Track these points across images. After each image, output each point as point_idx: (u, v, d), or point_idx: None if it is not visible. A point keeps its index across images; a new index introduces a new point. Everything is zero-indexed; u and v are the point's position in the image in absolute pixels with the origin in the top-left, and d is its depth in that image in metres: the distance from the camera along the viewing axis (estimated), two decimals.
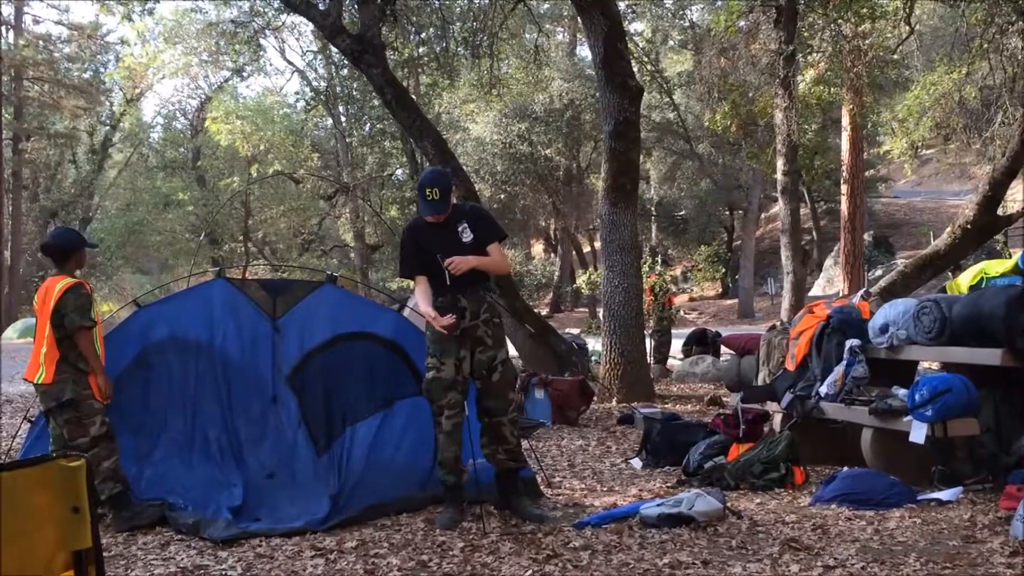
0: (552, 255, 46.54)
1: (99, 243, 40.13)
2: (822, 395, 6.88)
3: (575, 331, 21.98)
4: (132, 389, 6.12)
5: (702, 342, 15.31)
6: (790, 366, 7.49)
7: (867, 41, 15.96)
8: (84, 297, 5.52)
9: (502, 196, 32.85)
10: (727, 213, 39.03)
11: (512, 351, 13.51)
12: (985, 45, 13.31)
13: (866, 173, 26.89)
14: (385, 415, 6.03)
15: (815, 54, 16.54)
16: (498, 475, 5.71)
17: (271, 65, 77.70)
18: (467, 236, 5.62)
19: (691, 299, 37.48)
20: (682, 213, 39.35)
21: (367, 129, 35.69)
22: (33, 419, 6.46)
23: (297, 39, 47.55)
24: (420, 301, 5.59)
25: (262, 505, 5.66)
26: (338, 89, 34.84)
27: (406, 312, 6.69)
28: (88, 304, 5.52)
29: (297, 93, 53.36)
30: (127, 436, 5.91)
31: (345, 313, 6.30)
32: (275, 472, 5.92)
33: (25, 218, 41.88)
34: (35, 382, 5.57)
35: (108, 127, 43.08)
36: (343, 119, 36.62)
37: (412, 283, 5.82)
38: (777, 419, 7.47)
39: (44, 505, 2.16)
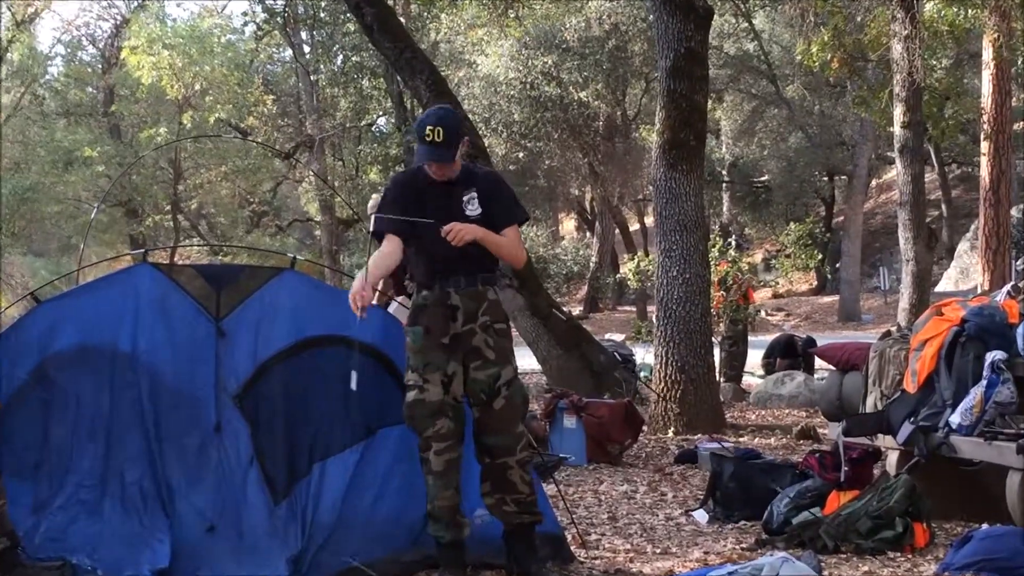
0: (588, 235, 46.61)
1: None
2: (954, 426, 6.86)
3: (618, 337, 21.99)
4: (26, 415, 6.10)
5: (789, 352, 15.32)
6: (910, 387, 7.48)
7: None
8: None
9: (520, 155, 32.88)
10: (825, 180, 39.02)
11: (532, 365, 13.56)
12: None
13: (1015, 126, 26.81)
14: (365, 447, 6.02)
15: None
16: (508, 533, 5.71)
17: None
18: (473, 208, 5.63)
19: (775, 295, 37.42)
20: (764, 179, 39.36)
21: (339, 64, 35.74)
22: None
23: None
24: (370, 267, 5.55)
25: (199, 568, 5.69)
26: (300, 9, 34.93)
27: (393, 308, 6.70)
28: None
29: (245, 14, 53.34)
30: (18, 477, 5.93)
31: (312, 310, 6.26)
32: (217, 524, 5.93)
33: None
34: None
35: None
36: (307, 50, 36.67)
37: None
38: (892, 458, 7.46)
39: None
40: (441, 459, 5.45)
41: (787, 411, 13.63)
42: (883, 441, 7.56)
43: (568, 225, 56.57)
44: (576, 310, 37.02)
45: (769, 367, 15.59)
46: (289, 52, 37.71)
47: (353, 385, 5.44)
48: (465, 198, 5.62)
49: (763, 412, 13.66)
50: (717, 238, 16.78)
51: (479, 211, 5.62)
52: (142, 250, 6.89)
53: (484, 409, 5.55)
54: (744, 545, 6.64)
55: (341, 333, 6.16)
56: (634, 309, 36.62)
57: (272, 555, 5.65)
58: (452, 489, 5.50)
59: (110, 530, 5.86)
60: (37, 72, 45.13)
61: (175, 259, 34.48)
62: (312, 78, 36.15)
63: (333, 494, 5.86)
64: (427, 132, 5.48)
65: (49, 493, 5.96)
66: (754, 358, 17.10)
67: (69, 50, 46.91)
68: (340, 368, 6.11)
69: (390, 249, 5.60)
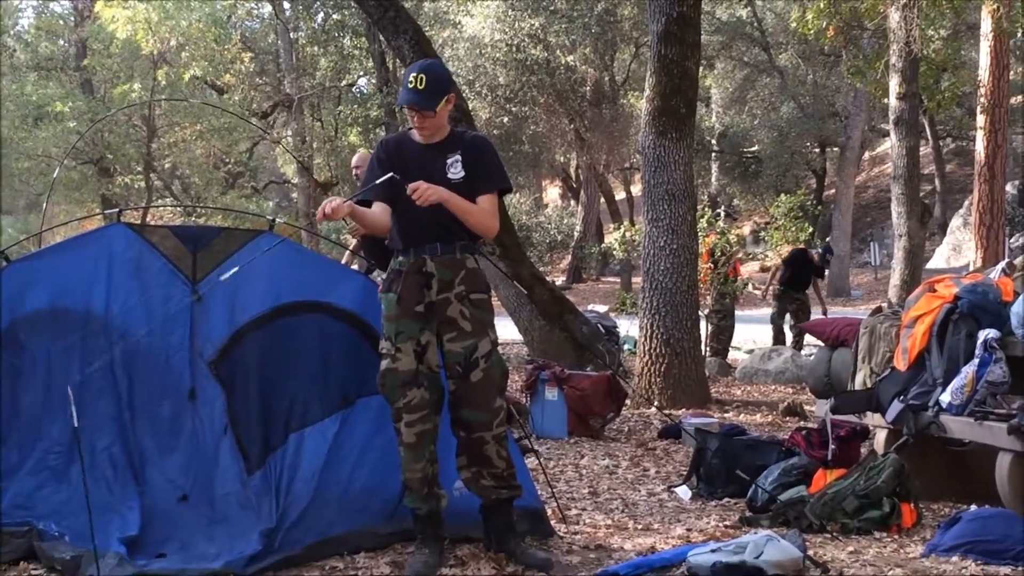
0: (572, 203, 46.59)
1: None
2: (944, 405, 6.90)
3: (602, 308, 22.03)
4: None
5: (802, 272, 15.49)
6: (900, 365, 7.51)
7: None
8: None
9: (504, 119, 32.81)
10: (817, 151, 39.05)
11: (514, 335, 13.57)
12: None
13: (1012, 100, 26.85)
14: (344, 418, 6.02)
15: None
16: (485, 507, 5.70)
17: None
18: (456, 171, 5.59)
19: (764, 269, 37.20)
20: (754, 149, 39.36)
21: (319, 21, 35.57)
22: None
23: None
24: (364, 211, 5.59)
25: (169, 538, 5.67)
26: None
27: (376, 276, 6.67)
28: None
29: None
30: None
31: (291, 275, 6.23)
32: (189, 494, 5.92)
33: None
34: None
35: None
36: (287, 6, 36.49)
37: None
38: (880, 437, 7.49)
39: None
40: (412, 431, 5.42)
41: (773, 387, 13.70)
42: (871, 419, 7.60)
43: (552, 193, 56.55)
44: (559, 280, 37.10)
45: (783, 296, 15.75)
46: (268, 8, 37.56)
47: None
48: (449, 161, 5.57)
49: (749, 388, 13.72)
50: (706, 208, 16.79)
51: (461, 175, 5.57)
52: (115, 210, 6.81)
53: (460, 382, 5.49)
54: (728, 523, 6.68)
55: (320, 299, 6.17)
56: (618, 280, 36.67)
57: (245, 527, 5.63)
58: (424, 460, 5.46)
59: (78, 497, 5.84)
60: (5, 24, 44.82)
61: (147, 219, 34.42)
62: (292, 36, 36.02)
63: (310, 466, 5.84)
64: (411, 79, 5.49)
65: (18, 459, 5.95)
66: (741, 333, 17.16)
67: (40, 1, 46.63)
68: (318, 335, 6.11)
69: (380, 211, 5.58)
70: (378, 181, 5.49)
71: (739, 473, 7.29)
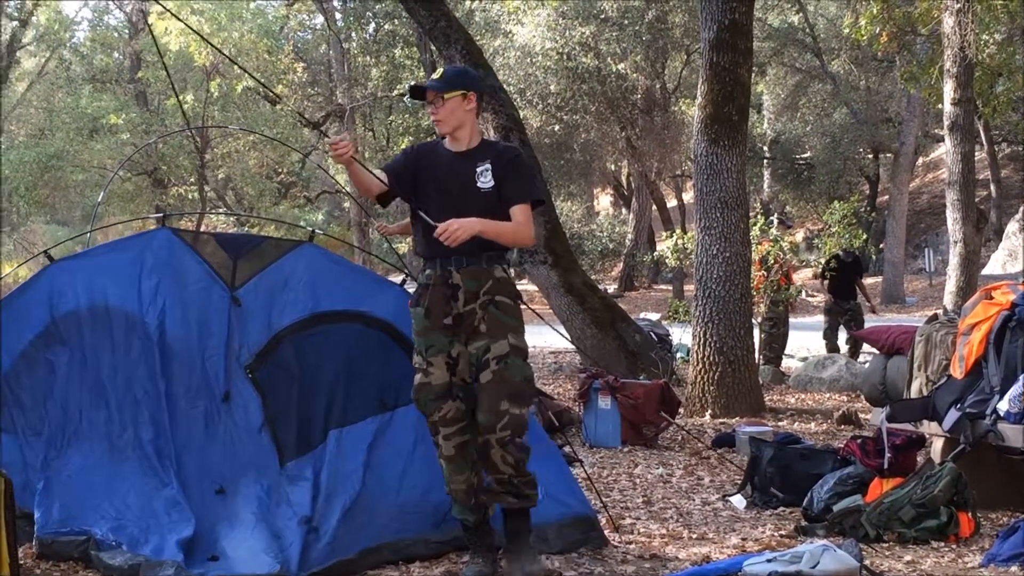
0: (624, 211, 46.51)
1: (3, 181, 40.53)
2: (1001, 414, 6.84)
3: (654, 316, 21.99)
4: (34, 376, 6.14)
5: (844, 277, 15.49)
6: (957, 373, 7.45)
7: None
8: None
9: (556, 128, 32.79)
10: (870, 157, 38.75)
11: (566, 343, 13.55)
12: None
13: None
14: (384, 424, 6.05)
15: None
16: (503, 513, 5.63)
17: None
18: (485, 180, 5.57)
19: (816, 276, 37.07)
20: (806, 156, 39.14)
21: (371, 31, 35.75)
22: None
23: None
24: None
25: (212, 530, 5.71)
26: None
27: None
28: None
29: None
30: (29, 439, 6.00)
31: (330, 284, 6.32)
32: (226, 487, 5.94)
33: None
34: None
35: (16, 23, 43.45)
36: (338, 17, 36.70)
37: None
38: (937, 446, 7.44)
39: None
40: (450, 443, 5.45)
41: (827, 395, 13.60)
42: (928, 428, 7.54)
43: (604, 201, 56.48)
44: (611, 288, 37.02)
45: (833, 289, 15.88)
46: (320, 19, 37.79)
47: None
48: (479, 169, 5.56)
49: (803, 396, 13.62)
50: (759, 216, 16.71)
51: (491, 184, 5.54)
52: (162, 214, 6.91)
53: (475, 383, 5.47)
54: (783, 532, 6.65)
55: (357, 309, 6.22)
56: (670, 288, 36.56)
57: (281, 513, 5.68)
58: (468, 471, 5.49)
59: (129, 498, 5.90)
60: (62, 37, 45.29)
61: (200, 229, 34.61)
62: (343, 46, 36.18)
63: (351, 463, 5.90)
64: (436, 71, 5.71)
65: (58, 457, 6.02)
66: (794, 340, 17.07)
67: (95, 14, 47.14)
68: (354, 342, 6.16)
69: (378, 175, 5.67)
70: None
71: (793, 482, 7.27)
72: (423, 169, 5.62)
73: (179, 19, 9.66)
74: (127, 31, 44.33)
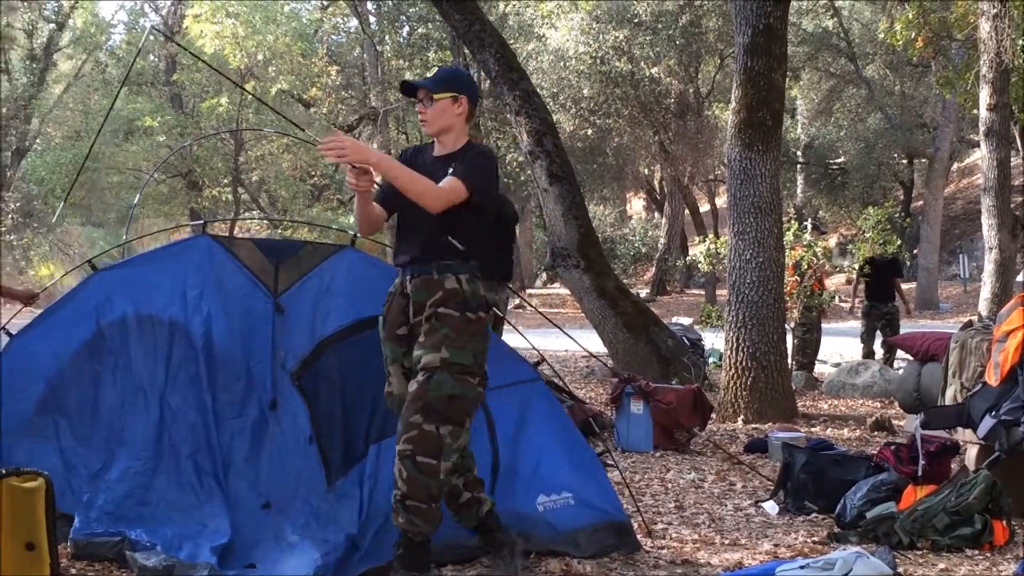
0: (656, 215, 46.47)
1: (40, 183, 40.83)
2: None
3: (686, 321, 21.94)
4: (81, 384, 6.19)
5: (881, 279, 15.41)
6: (992, 380, 7.40)
7: None
8: None
9: (589, 131, 32.84)
10: (904, 163, 38.60)
11: (598, 347, 13.55)
12: None
13: None
14: None
15: None
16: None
17: None
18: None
19: (849, 281, 36.93)
20: (840, 161, 39.01)
21: (405, 35, 35.83)
22: None
23: None
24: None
25: (256, 544, 5.74)
26: None
27: None
28: None
29: None
30: (75, 446, 6.04)
31: (371, 289, 6.19)
32: (273, 502, 5.97)
33: None
34: None
35: (53, 26, 43.73)
36: (372, 20, 36.79)
37: None
38: (972, 453, 7.40)
39: None
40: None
41: (861, 401, 13.54)
42: (962, 435, 7.51)
43: (636, 205, 56.47)
44: (643, 292, 36.98)
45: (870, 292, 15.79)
46: (354, 22, 37.88)
47: None
48: (450, 171, 5.31)
49: (836, 402, 13.58)
50: (792, 221, 16.66)
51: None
52: (200, 221, 6.93)
53: None
54: (816, 538, 6.62)
55: None
56: (703, 292, 36.50)
57: (327, 535, 5.68)
58: (445, 476, 5.27)
59: (167, 505, 5.94)
60: (99, 39, 45.55)
61: (234, 232, 34.79)
62: (377, 49, 36.26)
63: (390, 477, 5.89)
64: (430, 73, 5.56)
65: (103, 464, 6.07)
66: (827, 346, 17.00)
67: (131, 17, 47.37)
68: None
69: (376, 210, 5.45)
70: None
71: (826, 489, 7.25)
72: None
73: (177, 43, 9.49)
74: (162, 34, 44.53)
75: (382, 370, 5.90)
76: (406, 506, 5.13)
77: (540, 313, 10.61)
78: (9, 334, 6.37)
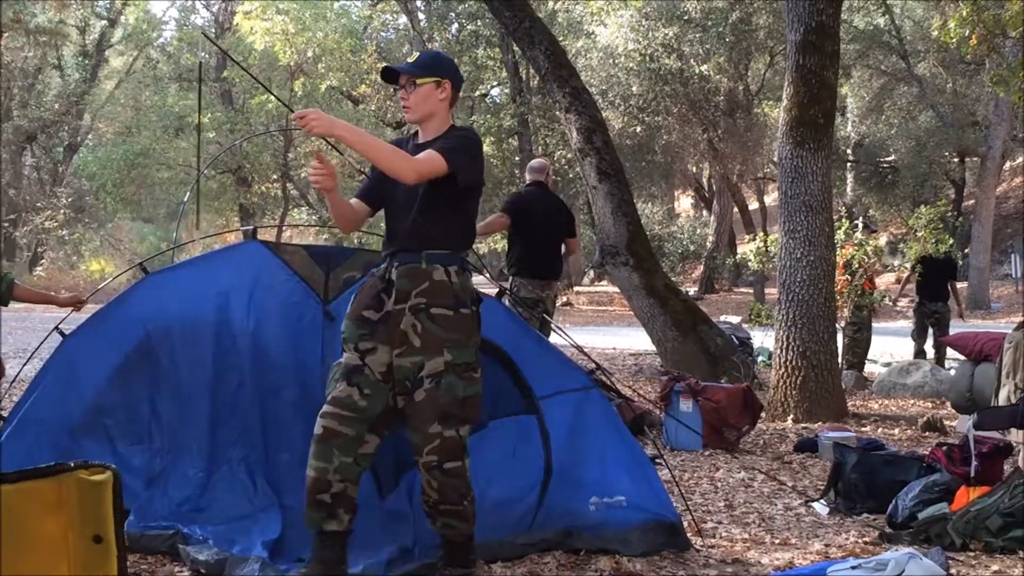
0: (705, 213, 46.36)
1: (91, 178, 41.19)
2: None
3: (734, 319, 21.88)
4: (133, 388, 6.24)
5: (933, 277, 15.28)
6: None
7: None
8: None
9: (637, 129, 32.80)
10: (956, 161, 38.31)
11: (647, 345, 13.55)
12: None
13: None
14: (475, 450, 6.09)
15: None
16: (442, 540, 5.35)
17: None
18: None
19: (899, 280, 36.59)
20: (891, 159, 38.78)
21: (454, 32, 35.90)
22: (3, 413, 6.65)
23: None
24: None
25: (308, 542, 5.76)
26: None
27: (507, 300, 6.67)
28: None
29: None
30: (129, 449, 6.13)
31: None
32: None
33: None
34: None
35: (105, 22, 44.14)
36: (421, 17, 36.88)
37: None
38: None
39: (56, 533, 2.20)
40: (322, 423, 5.07)
41: (912, 401, 13.46)
42: (1016, 436, 7.46)
43: (685, 203, 56.37)
44: (691, 290, 36.91)
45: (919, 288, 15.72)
46: (403, 19, 38.02)
47: None
48: None
49: (886, 401, 13.50)
50: (843, 219, 16.57)
51: None
52: (251, 227, 6.92)
53: (406, 400, 5.07)
54: (867, 539, 6.58)
55: None
56: (751, 291, 36.37)
57: (380, 541, 5.69)
58: (327, 464, 5.03)
59: (221, 508, 5.98)
60: (150, 36, 45.96)
61: (283, 226, 34.92)
62: (427, 46, 36.34)
63: None
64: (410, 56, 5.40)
65: (159, 471, 6.12)
66: (877, 345, 16.91)
67: (182, 14, 47.75)
68: None
69: (354, 204, 5.37)
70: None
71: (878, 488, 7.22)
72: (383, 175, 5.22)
73: (219, 47, 9.44)
74: (213, 31, 44.86)
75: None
76: (440, 511, 5.11)
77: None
78: (62, 334, 6.42)
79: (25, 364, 7.75)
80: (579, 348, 7.34)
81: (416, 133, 5.41)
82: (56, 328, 6.56)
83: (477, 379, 5.13)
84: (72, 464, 2.26)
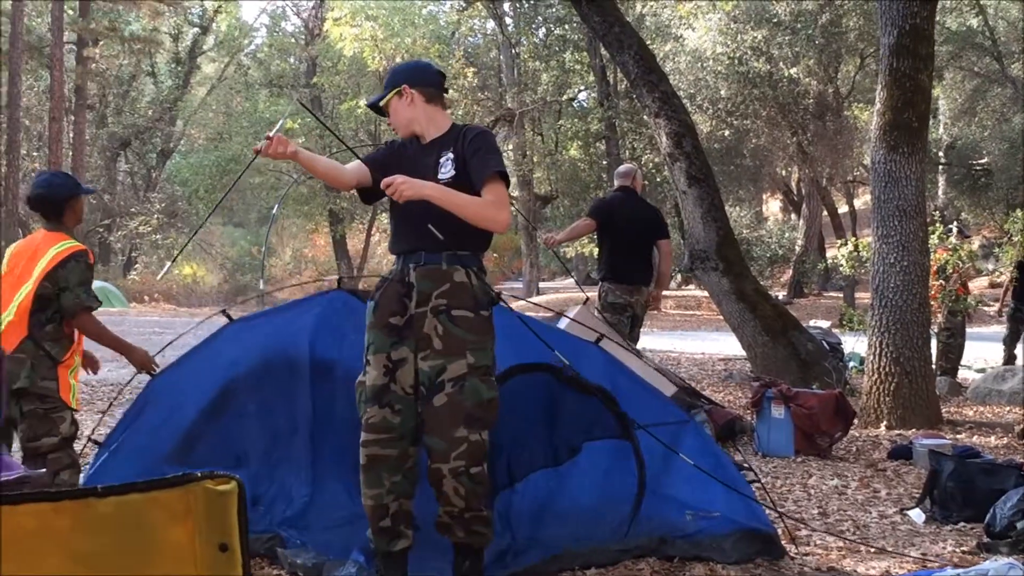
0: (793, 217, 46.02)
1: (183, 184, 41.75)
2: None
3: (824, 324, 21.68)
4: (214, 431, 6.46)
5: None
6: None
7: None
8: (89, 270, 5.82)
9: (726, 132, 32.67)
10: None
11: (736, 350, 13.48)
12: None
13: None
14: (570, 465, 6.14)
15: None
16: (454, 547, 5.28)
17: None
18: (446, 171, 5.13)
19: (993, 285, 36.21)
20: (984, 162, 38.24)
21: (541, 36, 35.96)
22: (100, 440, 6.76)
23: None
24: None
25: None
26: None
27: (564, 324, 6.66)
28: (91, 278, 5.84)
29: None
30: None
31: (514, 336, 5.88)
32: (422, 525, 5.99)
33: (89, 148, 43.83)
34: None
35: (198, 30, 44.72)
36: (509, 22, 36.98)
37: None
38: None
39: (183, 541, 2.24)
40: (365, 451, 5.09)
41: (1008, 408, 13.26)
42: None
43: (773, 206, 55.98)
44: (780, 295, 36.63)
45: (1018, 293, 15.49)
46: (491, 24, 38.14)
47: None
48: (442, 159, 5.15)
49: (981, 408, 13.31)
50: (936, 224, 16.37)
51: (452, 173, 5.09)
52: (338, 277, 7.04)
53: (427, 404, 5.02)
54: (965, 548, 6.51)
55: (544, 361, 6.06)
56: (840, 295, 36.03)
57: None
58: (380, 489, 5.09)
59: (321, 519, 6.12)
60: (241, 43, 46.53)
61: (372, 231, 35.04)
62: (514, 51, 36.48)
63: (533, 505, 6.05)
64: None
65: (259, 491, 6.34)
66: (971, 351, 16.70)
67: (273, 21, 48.27)
68: (548, 397, 6.16)
69: (352, 166, 5.34)
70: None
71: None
72: (392, 165, 5.18)
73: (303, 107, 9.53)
74: (303, 37, 45.32)
75: (532, 413, 5.97)
76: (465, 519, 5.06)
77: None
78: (229, 317, 6.58)
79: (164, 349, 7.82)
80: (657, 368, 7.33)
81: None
82: (223, 312, 6.74)
83: (495, 383, 5.11)
84: (199, 474, 2.31)
